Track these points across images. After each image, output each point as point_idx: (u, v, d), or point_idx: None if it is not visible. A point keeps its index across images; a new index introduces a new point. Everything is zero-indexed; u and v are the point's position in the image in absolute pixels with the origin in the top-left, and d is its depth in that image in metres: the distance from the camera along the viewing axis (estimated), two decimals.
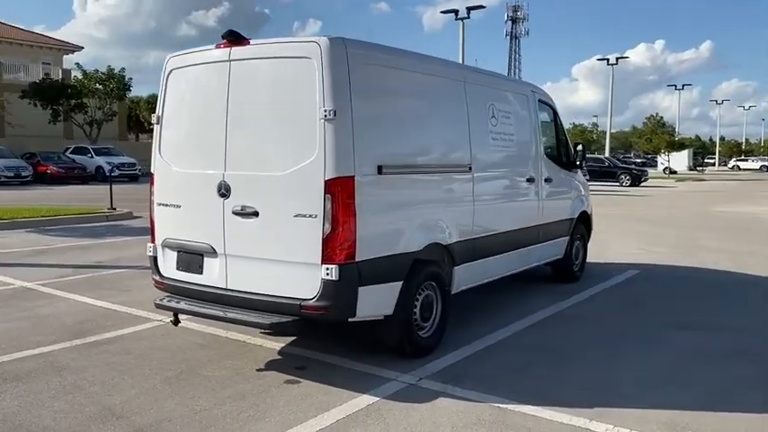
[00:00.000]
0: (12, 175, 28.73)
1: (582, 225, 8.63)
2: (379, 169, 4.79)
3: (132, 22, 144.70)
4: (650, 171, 50.46)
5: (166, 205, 5.34)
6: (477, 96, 6.16)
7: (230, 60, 4.90)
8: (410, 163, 5.18)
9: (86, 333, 6.06)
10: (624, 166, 39.66)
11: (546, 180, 7.47)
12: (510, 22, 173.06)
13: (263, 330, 5.97)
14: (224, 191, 4.90)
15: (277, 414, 4.26)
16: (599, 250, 11.25)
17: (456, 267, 5.80)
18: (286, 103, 4.70)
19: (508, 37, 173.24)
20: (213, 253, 5.01)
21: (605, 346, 5.81)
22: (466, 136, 5.92)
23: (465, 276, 5.97)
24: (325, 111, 4.44)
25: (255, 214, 4.77)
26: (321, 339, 5.81)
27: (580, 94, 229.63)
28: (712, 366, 5.31)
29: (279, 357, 5.45)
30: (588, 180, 30.59)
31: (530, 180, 7.10)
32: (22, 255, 10.53)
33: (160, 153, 5.42)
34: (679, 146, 56.84)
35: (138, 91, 75.49)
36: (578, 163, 8.25)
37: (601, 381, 4.94)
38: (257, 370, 5.11)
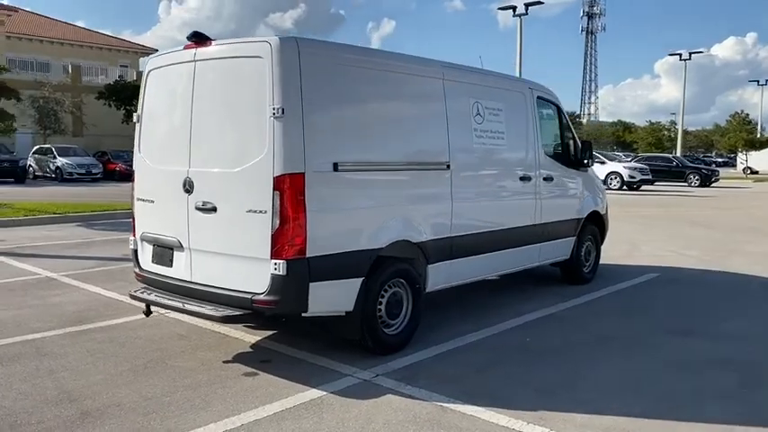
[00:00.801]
0: (83, 172, 30.36)
1: (593, 225, 8.38)
2: (335, 166, 4.84)
3: (213, 24, 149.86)
4: (730, 171, 48.01)
5: (144, 200, 5.58)
6: (458, 94, 6.10)
7: (195, 61, 5.07)
8: (372, 160, 5.19)
9: (83, 321, 6.38)
10: (693, 165, 37.94)
11: (545, 179, 7.30)
12: (586, 18, 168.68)
13: (245, 324, 6.18)
14: (188, 187, 5.07)
15: (221, 404, 4.37)
16: (627, 251, 10.94)
17: (430, 265, 5.77)
18: (242, 101, 4.82)
19: (584, 33, 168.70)
20: (180, 247, 5.20)
21: (586, 350, 5.65)
22: (443, 134, 5.88)
23: (441, 275, 5.94)
24: (274, 109, 4.54)
25: (214, 210, 4.93)
26: (296, 334, 5.92)
27: (662, 91, 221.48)
28: (689, 374, 5.08)
29: (250, 350, 5.58)
30: (654, 181, 29.82)
31: (525, 179, 6.96)
32: (62, 247, 11.13)
33: (139, 150, 5.66)
34: (760, 144, 53.87)
35: None
36: (586, 162, 8.00)
37: (561, 384, 4.83)
38: (223, 362, 5.25)
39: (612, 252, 10.83)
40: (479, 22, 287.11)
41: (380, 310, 5.32)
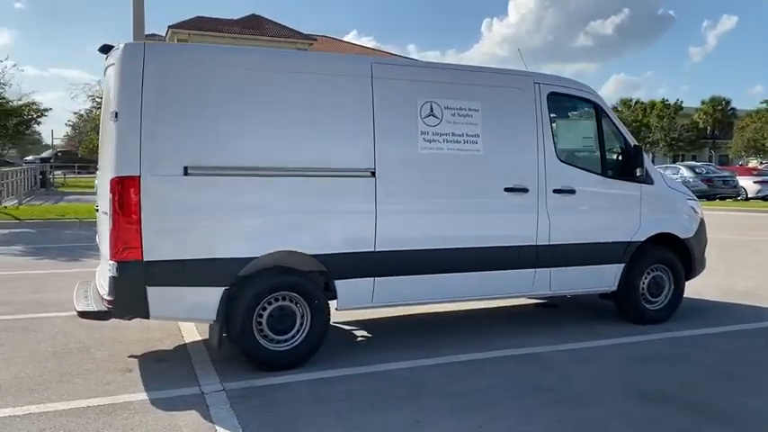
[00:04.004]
0: None
1: (665, 252, 6.66)
2: (185, 170, 4.76)
3: (532, 37, 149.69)
4: None
5: None
6: (396, 93, 5.44)
7: (105, 70, 5.45)
8: (241, 165, 4.93)
9: None
10: None
11: (560, 191, 6.03)
12: None
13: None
14: (100, 191, 5.48)
15: (54, 392, 4.65)
16: None
17: (340, 281, 5.28)
18: (110, 107, 5.04)
19: None
20: None
21: (490, 400, 4.57)
22: (365, 137, 5.30)
23: (361, 293, 5.37)
24: (111, 113, 4.68)
25: (104, 213, 5.24)
26: None
27: None
28: None
29: (166, 348, 5.77)
30: None
31: (516, 190, 5.85)
32: None
33: None
34: None
35: None
36: (637, 171, 6.33)
37: (386, 430, 4.05)
38: (128, 356, 5.53)
39: None
40: None
41: (261, 323, 5.06)
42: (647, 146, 55.65)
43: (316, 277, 5.31)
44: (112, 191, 4.67)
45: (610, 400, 4.62)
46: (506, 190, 5.84)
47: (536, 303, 7.55)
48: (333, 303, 5.41)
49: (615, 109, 61.13)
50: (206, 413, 4.31)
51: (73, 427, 4.09)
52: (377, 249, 5.36)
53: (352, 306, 5.46)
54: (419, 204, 5.57)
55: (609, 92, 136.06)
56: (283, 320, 5.12)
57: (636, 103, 62.15)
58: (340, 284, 5.29)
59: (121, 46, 4.79)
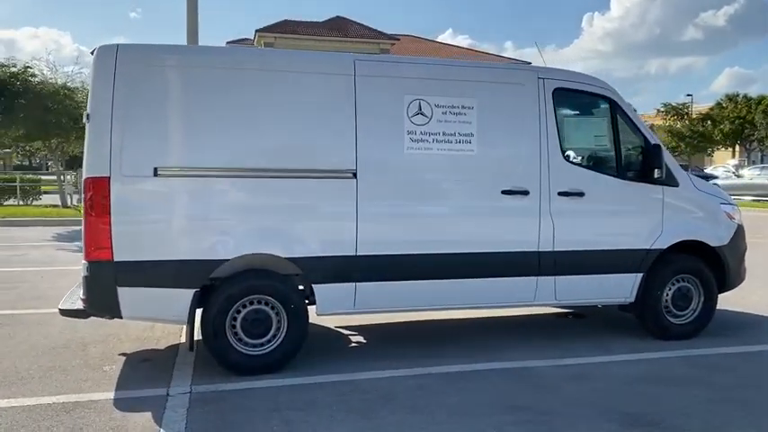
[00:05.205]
0: None
1: (693, 261, 6.06)
2: (155, 171, 4.76)
3: (637, 31, 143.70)
4: None
5: None
6: (380, 91, 5.22)
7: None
8: (212, 166, 4.87)
9: None
10: None
11: (566, 194, 5.60)
12: None
13: None
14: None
15: (26, 386, 4.80)
16: None
17: (318, 285, 5.13)
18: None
19: None
20: None
21: (461, 420, 4.27)
22: (346, 137, 5.11)
23: (342, 298, 5.20)
24: (84, 114, 4.75)
25: None
26: None
27: None
28: None
29: (157, 348, 5.82)
30: None
31: (515, 192, 5.47)
32: None
33: None
34: None
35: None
36: (657, 172, 5.77)
37: None
38: (119, 354, 5.62)
39: None
40: None
41: (235, 326, 5.00)
42: (751, 144, 51.94)
43: (298, 281, 5.19)
44: (85, 191, 4.74)
45: (588, 423, 4.22)
46: (504, 192, 5.49)
47: (563, 313, 7.10)
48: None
49: (719, 104, 57.50)
50: (159, 416, 4.28)
51: (27, 423, 4.17)
52: (358, 253, 5.17)
53: (333, 311, 5.29)
54: (404, 207, 5.33)
55: (720, 87, 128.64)
56: (258, 324, 5.03)
57: (742, 98, 58.06)
58: (319, 289, 5.15)
59: (98, 48, 4.85)
